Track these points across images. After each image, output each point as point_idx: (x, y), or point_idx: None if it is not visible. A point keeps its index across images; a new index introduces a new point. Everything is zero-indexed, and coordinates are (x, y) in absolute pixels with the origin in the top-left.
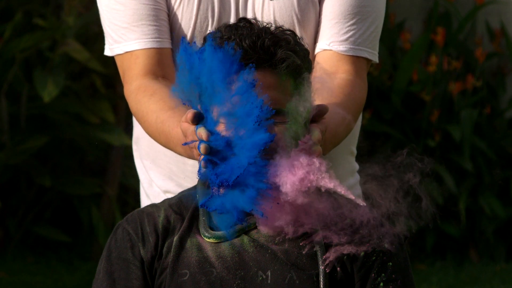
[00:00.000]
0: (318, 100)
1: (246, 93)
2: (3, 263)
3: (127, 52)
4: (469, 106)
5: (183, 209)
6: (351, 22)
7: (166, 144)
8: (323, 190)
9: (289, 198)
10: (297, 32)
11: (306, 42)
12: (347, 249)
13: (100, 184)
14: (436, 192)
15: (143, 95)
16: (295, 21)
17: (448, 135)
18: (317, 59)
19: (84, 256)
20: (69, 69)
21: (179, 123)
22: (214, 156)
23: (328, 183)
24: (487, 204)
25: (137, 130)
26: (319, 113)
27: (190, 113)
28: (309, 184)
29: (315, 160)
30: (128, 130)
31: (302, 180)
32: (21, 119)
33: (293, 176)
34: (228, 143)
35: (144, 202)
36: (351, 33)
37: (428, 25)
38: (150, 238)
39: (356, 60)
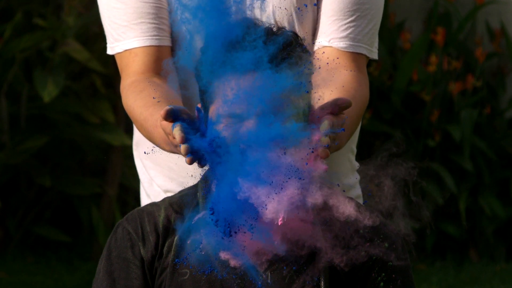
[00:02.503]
0: (330, 95)
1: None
2: (3, 263)
3: (126, 50)
4: (469, 106)
5: (184, 208)
6: (351, 19)
7: (151, 141)
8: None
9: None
10: (296, 27)
11: (306, 40)
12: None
13: (100, 184)
14: (436, 192)
15: (133, 91)
16: (294, 16)
17: (448, 135)
18: (317, 55)
19: (84, 256)
20: (69, 69)
21: (159, 121)
22: (202, 157)
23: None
24: (487, 204)
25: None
26: (342, 106)
27: (163, 111)
28: (301, 204)
29: (312, 172)
30: (128, 130)
31: (292, 199)
32: (21, 119)
33: (280, 194)
34: (220, 144)
35: (144, 201)
36: (350, 29)
37: (428, 25)
38: (151, 237)
39: (356, 57)
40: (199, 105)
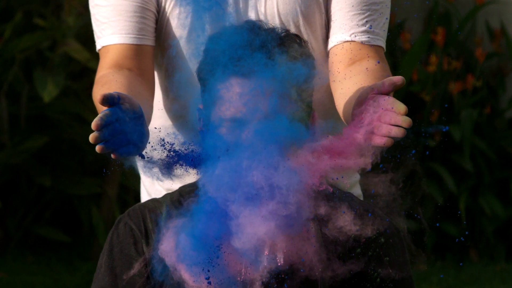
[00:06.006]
0: (361, 84)
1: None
2: (3, 263)
3: (103, 46)
4: (469, 106)
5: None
6: (368, 13)
7: None
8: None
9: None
10: (301, 25)
11: (309, 33)
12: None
13: (100, 184)
14: (436, 192)
15: (97, 86)
16: (299, 13)
17: (448, 135)
18: (339, 50)
19: (84, 256)
20: (69, 69)
21: None
22: (117, 149)
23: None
24: (487, 204)
25: None
26: (398, 84)
27: (99, 96)
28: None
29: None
30: None
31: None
32: (21, 119)
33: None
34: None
35: (145, 200)
36: (369, 23)
37: (428, 25)
38: (153, 235)
39: (377, 49)
40: (200, 106)
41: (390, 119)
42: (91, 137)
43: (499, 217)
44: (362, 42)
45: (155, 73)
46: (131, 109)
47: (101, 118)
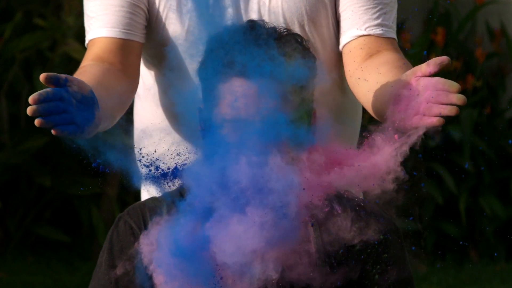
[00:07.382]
0: (383, 75)
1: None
2: (3, 263)
3: (90, 40)
4: (469, 106)
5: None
6: (380, 7)
7: None
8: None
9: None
10: (306, 24)
11: (313, 32)
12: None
13: (100, 184)
14: (436, 192)
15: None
16: (304, 12)
17: (448, 135)
18: (355, 45)
19: (84, 256)
20: (69, 69)
21: None
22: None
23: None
24: (487, 204)
25: (138, 129)
26: (444, 64)
27: (42, 75)
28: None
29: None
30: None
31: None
32: (21, 119)
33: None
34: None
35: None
36: (382, 17)
37: (428, 25)
38: None
39: (392, 41)
40: (201, 106)
41: (443, 98)
42: (28, 110)
43: (499, 217)
44: (377, 35)
45: (154, 73)
46: (80, 92)
47: (40, 94)
